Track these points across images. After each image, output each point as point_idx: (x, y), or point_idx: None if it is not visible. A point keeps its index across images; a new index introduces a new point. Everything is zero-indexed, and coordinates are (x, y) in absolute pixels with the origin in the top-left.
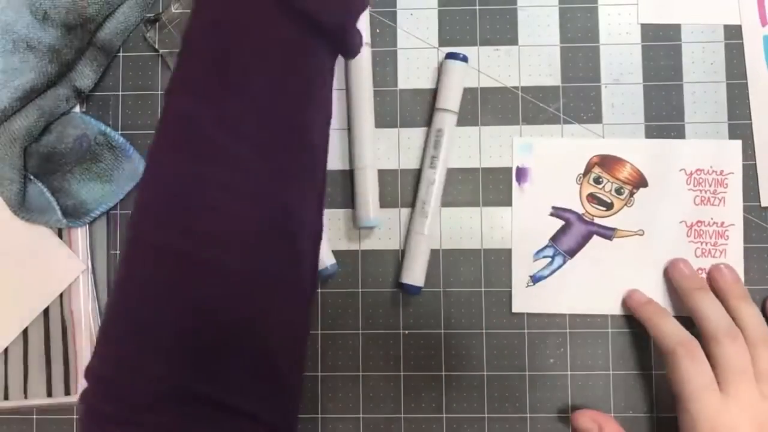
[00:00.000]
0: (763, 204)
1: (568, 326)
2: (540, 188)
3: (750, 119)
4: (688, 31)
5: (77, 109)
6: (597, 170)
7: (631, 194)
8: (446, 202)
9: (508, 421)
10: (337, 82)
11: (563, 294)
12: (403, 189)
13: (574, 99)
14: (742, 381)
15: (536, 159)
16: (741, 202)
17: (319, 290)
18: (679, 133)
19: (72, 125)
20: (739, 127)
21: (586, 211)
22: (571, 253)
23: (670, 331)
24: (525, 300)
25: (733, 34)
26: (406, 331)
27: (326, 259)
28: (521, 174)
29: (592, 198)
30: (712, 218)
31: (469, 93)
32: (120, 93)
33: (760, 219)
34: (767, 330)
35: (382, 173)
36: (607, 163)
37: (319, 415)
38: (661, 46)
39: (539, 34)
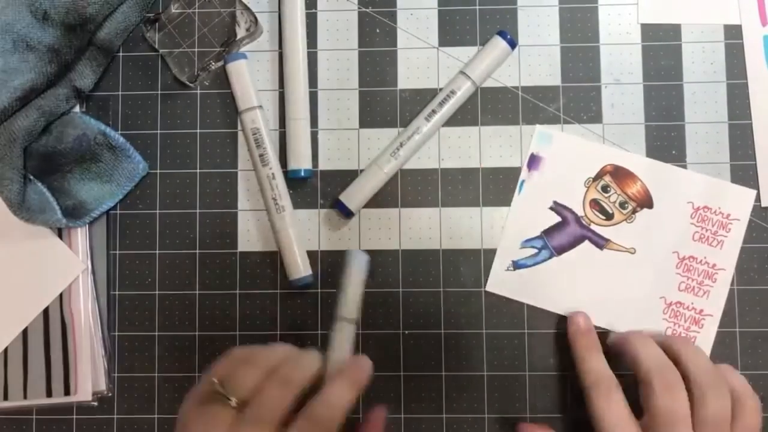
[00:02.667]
0: (764, 204)
1: None
2: (548, 180)
3: (750, 119)
4: (688, 31)
5: (77, 109)
6: (608, 179)
7: (634, 211)
8: (446, 202)
9: (508, 421)
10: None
11: (539, 287)
12: (403, 189)
13: (574, 99)
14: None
15: (553, 151)
16: (738, 250)
17: (318, 290)
18: (678, 133)
19: (72, 125)
20: (739, 127)
21: (586, 215)
22: (560, 250)
23: (591, 367)
24: (500, 282)
25: (733, 34)
26: (406, 331)
27: (302, 268)
28: (534, 161)
29: (595, 204)
30: (705, 257)
31: None
32: (120, 93)
33: (760, 219)
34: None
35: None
36: (619, 174)
37: None
38: (661, 46)
39: (539, 34)
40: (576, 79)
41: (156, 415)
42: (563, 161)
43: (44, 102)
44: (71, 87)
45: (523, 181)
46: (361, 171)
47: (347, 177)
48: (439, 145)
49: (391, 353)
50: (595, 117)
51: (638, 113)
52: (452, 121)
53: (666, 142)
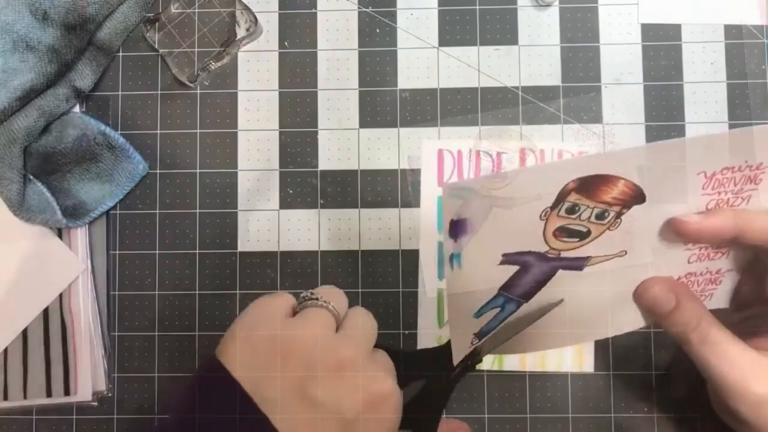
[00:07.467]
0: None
1: None
2: (487, 237)
3: (750, 119)
4: (688, 31)
5: (77, 109)
6: (574, 197)
7: (619, 215)
8: None
9: (508, 422)
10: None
11: (519, 336)
12: (403, 189)
13: (574, 99)
14: None
15: (478, 204)
16: None
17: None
18: (679, 133)
19: (72, 125)
20: (740, 127)
21: (551, 248)
22: (528, 296)
23: (680, 319)
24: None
25: (733, 34)
26: (406, 332)
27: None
28: (458, 227)
29: (561, 232)
30: None
31: (469, 93)
32: (120, 93)
33: None
34: None
35: (382, 173)
36: (590, 186)
37: None
38: (661, 46)
39: (539, 34)
40: (576, 79)
41: (156, 415)
42: (501, 208)
43: (44, 102)
44: (71, 87)
45: (455, 255)
46: (361, 171)
47: (347, 177)
48: None
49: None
50: (595, 117)
51: (638, 113)
52: (453, 121)
53: None
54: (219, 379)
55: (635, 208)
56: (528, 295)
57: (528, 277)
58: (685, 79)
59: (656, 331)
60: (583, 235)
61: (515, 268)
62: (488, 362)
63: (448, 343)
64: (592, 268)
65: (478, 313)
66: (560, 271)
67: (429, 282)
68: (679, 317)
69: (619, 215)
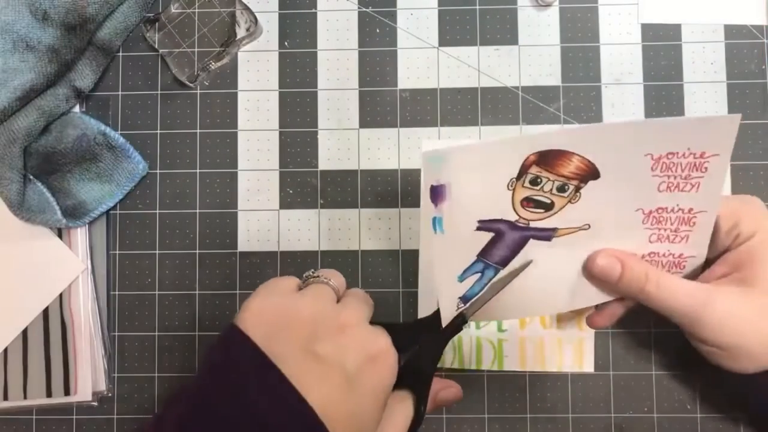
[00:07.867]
0: None
1: None
2: (463, 204)
3: (750, 119)
4: (688, 31)
5: (77, 109)
6: (535, 170)
7: (578, 189)
8: None
9: (508, 421)
10: (329, 82)
11: (500, 303)
12: (403, 189)
13: (574, 99)
14: None
15: (453, 170)
16: (722, 186)
17: None
18: None
19: (72, 125)
20: (740, 127)
21: (521, 217)
22: (504, 263)
23: (627, 275)
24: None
25: (733, 34)
26: None
27: None
28: (437, 193)
29: (528, 202)
30: (677, 205)
31: (469, 93)
32: (120, 93)
33: None
34: None
35: (382, 173)
36: (547, 159)
37: None
38: (661, 46)
39: (539, 34)
40: (576, 79)
41: None
42: (473, 176)
43: (44, 102)
44: (71, 87)
45: (437, 219)
46: (361, 171)
47: (347, 177)
48: None
49: None
50: (595, 117)
51: (638, 113)
52: (453, 121)
53: None
54: (238, 340)
55: (592, 184)
56: (504, 262)
57: (502, 244)
58: (685, 79)
59: (656, 331)
60: (547, 206)
61: (490, 235)
62: (488, 362)
63: (437, 312)
64: (560, 240)
65: (461, 277)
66: (531, 241)
67: (429, 282)
68: (629, 276)
69: (578, 189)
